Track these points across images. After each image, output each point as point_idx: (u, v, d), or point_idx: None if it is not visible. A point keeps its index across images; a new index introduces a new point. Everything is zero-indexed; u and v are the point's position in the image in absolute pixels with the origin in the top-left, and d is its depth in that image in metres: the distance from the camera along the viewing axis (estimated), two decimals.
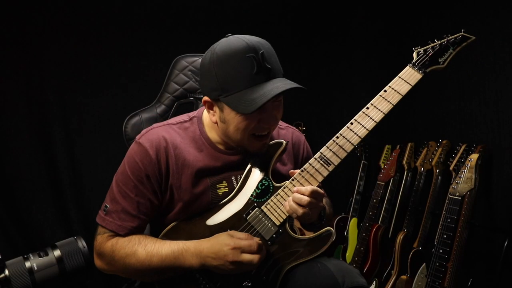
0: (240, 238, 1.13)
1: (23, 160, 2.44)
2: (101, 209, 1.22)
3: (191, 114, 1.31)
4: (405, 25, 2.68)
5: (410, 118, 2.60)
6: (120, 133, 1.52)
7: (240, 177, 1.25)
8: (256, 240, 1.13)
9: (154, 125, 1.27)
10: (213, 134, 1.26)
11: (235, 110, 1.10)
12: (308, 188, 1.14)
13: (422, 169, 2.39)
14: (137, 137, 1.24)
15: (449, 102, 2.39)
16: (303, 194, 1.13)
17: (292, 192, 1.17)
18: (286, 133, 1.38)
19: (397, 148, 2.55)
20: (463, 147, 2.17)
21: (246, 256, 1.10)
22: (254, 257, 1.11)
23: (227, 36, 1.17)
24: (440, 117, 2.46)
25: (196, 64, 1.57)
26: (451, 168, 2.19)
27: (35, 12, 2.41)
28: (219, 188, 1.23)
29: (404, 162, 2.51)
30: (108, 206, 1.20)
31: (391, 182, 2.50)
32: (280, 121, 1.35)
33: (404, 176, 2.52)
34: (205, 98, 1.18)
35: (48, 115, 2.48)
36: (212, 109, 1.19)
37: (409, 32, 2.63)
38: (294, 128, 1.43)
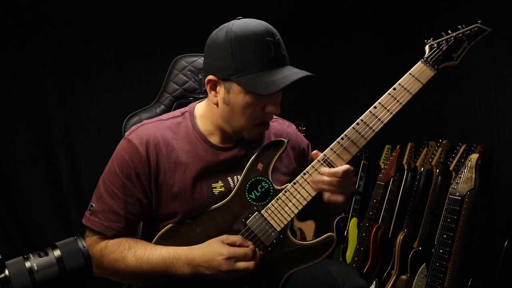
0: (234, 242, 1.08)
1: (23, 160, 2.45)
2: (87, 209, 1.16)
3: (183, 109, 1.26)
4: (405, 25, 2.68)
5: (410, 118, 2.60)
6: (120, 133, 1.51)
7: (237, 178, 1.20)
8: (250, 245, 1.10)
9: (145, 121, 1.22)
10: (206, 126, 1.20)
11: (252, 90, 1.06)
12: (341, 168, 1.11)
13: (422, 169, 2.39)
14: (127, 133, 1.18)
15: (449, 102, 2.38)
16: (334, 176, 1.11)
17: (294, 196, 1.14)
18: (277, 125, 1.34)
19: (397, 148, 2.55)
20: (463, 147, 2.17)
21: (241, 264, 1.06)
22: (250, 264, 1.07)
23: (238, 19, 1.13)
24: (440, 117, 2.46)
25: (196, 64, 1.57)
26: (451, 168, 2.19)
27: (35, 12, 2.41)
28: (215, 188, 1.18)
29: (404, 162, 2.51)
30: (94, 205, 1.14)
31: (391, 182, 2.50)
32: None
33: (404, 176, 2.52)
34: (210, 77, 1.12)
35: (48, 115, 2.48)
36: (215, 90, 1.14)
37: (408, 33, 2.63)
38: (283, 119, 1.40)
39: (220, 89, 1.12)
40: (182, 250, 1.10)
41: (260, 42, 1.07)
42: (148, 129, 1.17)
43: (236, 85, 1.08)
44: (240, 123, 1.14)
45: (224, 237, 1.10)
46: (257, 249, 1.11)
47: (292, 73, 1.07)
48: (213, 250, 1.07)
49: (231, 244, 1.08)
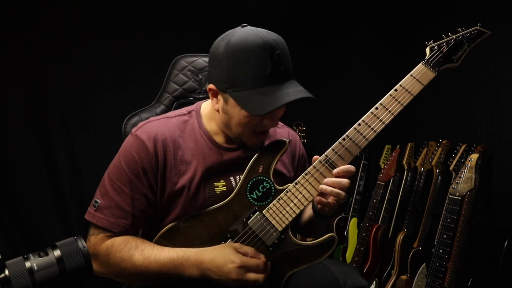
0: (246, 253, 1.08)
1: (23, 160, 2.44)
2: (90, 205, 1.15)
3: (189, 108, 1.26)
4: (405, 26, 2.68)
5: (410, 118, 2.60)
6: (120, 133, 1.52)
7: (240, 177, 1.20)
8: (262, 257, 1.09)
9: (152, 118, 1.22)
10: (212, 125, 1.22)
11: (243, 109, 1.07)
12: (350, 168, 1.12)
13: (422, 169, 2.39)
14: (134, 129, 1.18)
15: (449, 102, 2.39)
16: (343, 177, 1.11)
17: (296, 196, 1.14)
18: (282, 131, 1.35)
19: (397, 148, 2.55)
20: (463, 147, 2.17)
21: (251, 276, 1.05)
22: (260, 277, 1.06)
23: (243, 26, 1.12)
24: (440, 117, 2.46)
25: (196, 64, 1.57)
26: (451, 168, 2.19)
27: (35, 12, 2.41)
28: (217, 187, 1.18)
29: (404, 162, 2.51)
30: (99, 201, 1.13)
31: (391, 182, 2.50)
32: None
33: (404, 176, 2.52)
34: (211, 86, 1.13)
35: (48, 115, 2.48)
36: (216, 97, 1.15)
37: (408, 33, 2.63)
38: (289, 127, 1.41)
39: (220, 98, 1.14)
40: (191, 251, 1.10)
41: (255, 58, 1.06)
42: (155, 125, 1.18)
43: (232, 99, 1.09)
44: (238, 131, 1.15)
45: (237, 245, 1.10)
46: (269, 262, 1.11)
47: (285, 94, 1.07)
48: (226, 257, 1.06)
49: (244, 254, 1.08)
